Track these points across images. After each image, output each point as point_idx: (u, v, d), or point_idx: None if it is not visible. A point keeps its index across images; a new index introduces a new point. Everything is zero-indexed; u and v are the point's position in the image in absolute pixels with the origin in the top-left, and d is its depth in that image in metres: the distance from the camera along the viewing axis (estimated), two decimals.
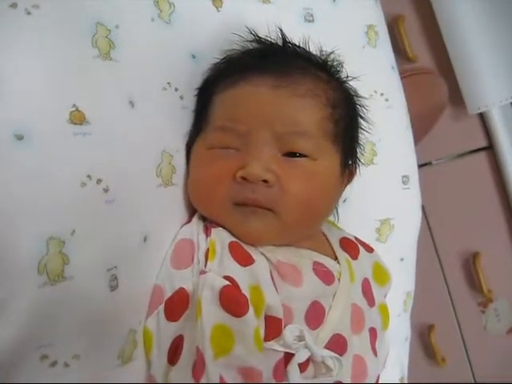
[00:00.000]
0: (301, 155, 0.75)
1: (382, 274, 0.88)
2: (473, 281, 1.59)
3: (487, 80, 1.44)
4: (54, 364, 0.60)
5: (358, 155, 0.86)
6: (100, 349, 0.66)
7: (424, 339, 1.67)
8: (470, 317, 1.62)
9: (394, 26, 1.53)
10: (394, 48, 1.50)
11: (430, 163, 1.63)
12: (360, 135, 0.86)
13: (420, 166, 1.59)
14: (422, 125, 1.42)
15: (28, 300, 0.57)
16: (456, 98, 1.49)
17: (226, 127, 0.75)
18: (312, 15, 0.97)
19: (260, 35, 0.81)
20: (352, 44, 0.99)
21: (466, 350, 1.63)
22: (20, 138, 0.58)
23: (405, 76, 1.31)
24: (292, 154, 0.75)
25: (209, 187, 0.75)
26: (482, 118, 1.52)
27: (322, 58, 0.82)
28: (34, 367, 0.59)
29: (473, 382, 1.63)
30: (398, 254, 1.03)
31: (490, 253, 1.55)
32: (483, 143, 1.54)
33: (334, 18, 0.98)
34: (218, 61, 0.82)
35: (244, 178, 0.72)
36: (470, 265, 1.58)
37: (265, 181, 0.72)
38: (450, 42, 1.46)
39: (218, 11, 0.87)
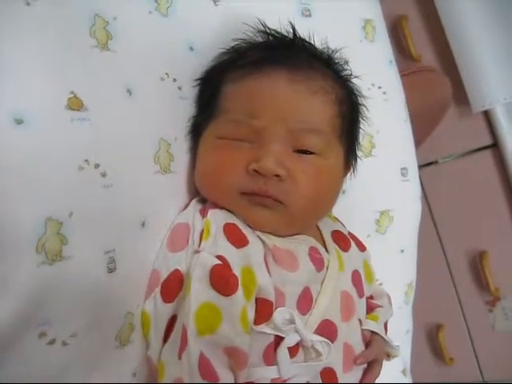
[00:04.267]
0: (311, 152, 0.77)
1: (369, 273, 0.89)
2: (480, 280, 1.58)
3: (491, 78, 1.45)
4: (52, 342, 0.62)
5: (358, 151, 0.88)
6: (98, 329, 0.67)
7: (432, 339, 1.67)
8: (478, 316, 1.62)
9: (397, 26, 1.55)
10: (397, 48, 1.53)
11: (435, 162, 1.64)
12: (359, 132, 0.88)
13: (426, 164, 1.62)
14: (425, 122, 1.43)
15: (26, 278, 0.59)
16: (460, 96, 1.50)
17: (240, 121, 0.77)
18: (309, 10, 0.99)
19: (260, 27, 0.83)
20: (349, 38, 1.00)
21: (473, 349, 1.63)
22: (19, 122, 0.60)
23: (407, 73, 1.32)
24: (303, 151, 0.76)
25: (218, 175, 0.77)
26: (487, 115, 1.52)
27: (329, 54, 0.84)
28: (33, 344, 0.61)
29: (481, 380, 1.62)
30: (398, 246, 1.05)
31: (497, 251, 1.55)
32: (488, 141, 1.54)
33: (330, 12, 1.00)
34: (222, 51, 0.84)
35: (256, 171, 0.74)
36: (477, 263, 1.58)
37: (277, 175, 0.74)
38: (454, 41, 1.47)
39: (216, 5, 0.89)
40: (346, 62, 0.85)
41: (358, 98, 0.87)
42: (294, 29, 0.82)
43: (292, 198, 0.75)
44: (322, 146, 0.77)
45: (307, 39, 0.84)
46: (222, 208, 0.76)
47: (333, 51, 0.84)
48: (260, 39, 0.83)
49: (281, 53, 0.79)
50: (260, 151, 0.74)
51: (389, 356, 0.88)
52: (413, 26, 1.56)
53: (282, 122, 0.75)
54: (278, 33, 0.82)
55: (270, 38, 0.83)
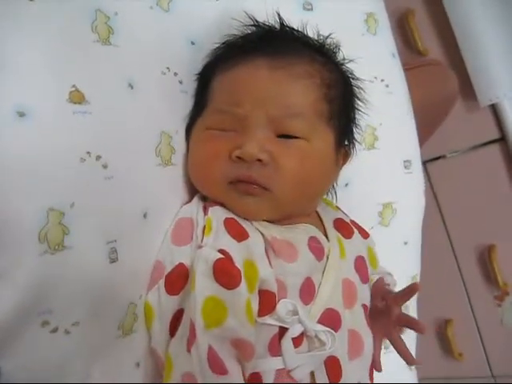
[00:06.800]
0: (295, 137, 0.77)
1: (373, 259, 0.90)
2: (488, 274, 1.58)
3: (498, 71, 1.44)
4: (54, 330, 0.64)
5: (355, 136, 0.88)
6: (100, 318, 0.69)
7: (440, 334, 1.67)
8: (487, 311, 1.61)
9: (404, 20, 1.55)
10: (404, 42, 1.54)
11: (443, 156, 1.64)
12: (357, 116, 0.88)
13: (434, 159, 1.62)
14: (431, 117, 1.42)
15: (29, 267, 0.61)
16: (467, 90, 1.50)
17: (224, 110, 0.79)
18: (311, 4, 1.00)
19: (258, 20, 0.84)
20: (351, 32, 1.01)
21: (482, 344, 1.62)
22: (22, 114, 0.61)
23: (412, 67, 1.32)
24: (286, 136, 0.77)
25: (205, 166, 0.78)
26: (494, 109, 1.51)
27: (319, 41, 0.84)
28: (36, 333, 0.62)
29: (490, 375, 1.61)
30: (402, 238, 1.05)
31: (506, 245, 1.54)
32: (496, 135, 1.54)
33: (332, 6, 1.01)
34: (217, 46, 0.85)
35: (240, 158, 0.75)
36: (486, 258, 1.57)
37: (259, 160, 0.75)
38: (461, 35, 1.47)
39: (217, 0, 0.90)
40: (338, 47, 0.86)
41: (352, 82, 0.87)
42: (280, 18, 0.83)
43: (276, 183, 0.75)
44: (305, 130, 0.77)
45: (308, 33, 0.85)
46: (220, 205, 0.78)
47: (325, 38, 0.85)
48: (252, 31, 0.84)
49: (265, 42, 0.81)
50: (243, 138, 0.76)
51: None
52: (419, 20, 1.56)
53: (262, 108, 0.76)
54: (265, 24, 0.84)
55: (259, 29, 0.84)
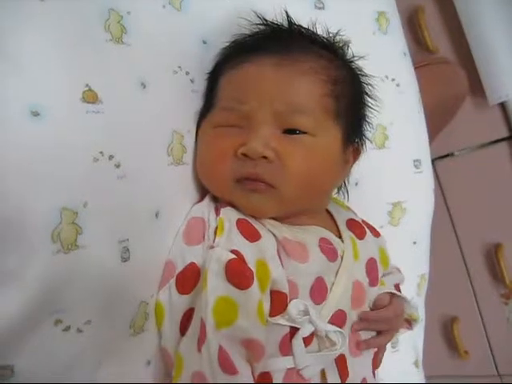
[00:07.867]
0: (300, 132, 0.77)
1: (384, 259, 0.90)
2: (495, 272, 1.57)
3: (508, 70, 1.43)
4: (67, 329, 0.64)
5: (365, 133, 0.88)
6: (112, 317, 0.69)
7: (447, 332, 1.67)
8: (493, 309, 1.61)
9: (414, 18, 1.54)
10: (414, 40, 1.53)
11: (451, 154, 1.63)
12: (366, 113, 0.88)
13: (442, 157, 1.62)
14: (440, 115, 1.42)
15: (42, 266, 0.61)
16: (477, 88, 1.49)
17: (230, 107, 0.79)
18: (322, 2, 0.99)
19: (267, 18, 0.84)
20: (362, 30, 1.00)
21: (488, 342, 1.62)
22: (36, 114, 0.61)
23: (422, 65, 1.32)
24: (291, 131, 0.77)
25: (212, 163, 0.79)
26: (503, 107, 1.51)
27: (328, 38, 0.84)
28: (49, 331, 0.63)
29: (496, 374, 1.61)
30: (411, 238, 1.05)
31: None
32: (505, 133, 1.53)
33: (344, 4, 1.00)
34: (226, 45, 0.85)
35: (245, 155, 0.75)
36: (493, 256, 1.57)
37: (265, 157, 0.75)
38: (471, 33, 1.46)
39: None
40: (347, 44, 0.85)
41: (362, 80, 0.87)
42: (288, 16, 0.83)
43: (282, 180, 0.75)
44: (311, 125, 0.77)
45: (318, 31, 0.84)
46: (231, 205, 0.78)
47: (334, 35, 0.84)
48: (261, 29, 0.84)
49: (272, 40, 0.81)
50: (248, 135, 0.76)
51: (410, 323, 0.89)
52: (429, 18, 1.55)
53: (267, 105, 0.76)
54: (273, 23, 0.84)
55: (268, 27, 0.84)
